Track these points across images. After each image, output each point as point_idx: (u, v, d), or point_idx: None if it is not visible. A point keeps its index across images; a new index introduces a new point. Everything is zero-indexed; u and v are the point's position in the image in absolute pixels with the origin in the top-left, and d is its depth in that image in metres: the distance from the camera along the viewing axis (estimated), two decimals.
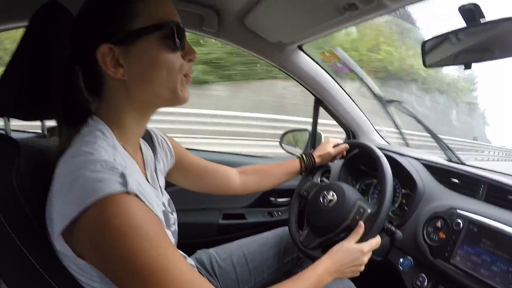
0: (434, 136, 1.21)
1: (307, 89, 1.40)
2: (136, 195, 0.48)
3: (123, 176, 0.48)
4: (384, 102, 1.35)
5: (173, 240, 0.64)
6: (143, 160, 0.70)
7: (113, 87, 0.57)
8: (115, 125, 0.58)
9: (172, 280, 0.48)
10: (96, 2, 0.56)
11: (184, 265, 0.51)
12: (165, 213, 0.65)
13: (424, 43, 0.93)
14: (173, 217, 0.72)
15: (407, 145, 1.42)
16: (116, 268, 0.47)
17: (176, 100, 0.60)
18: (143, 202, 0.49)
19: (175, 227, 0.72)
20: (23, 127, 0.67)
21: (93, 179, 0.46)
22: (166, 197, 0.74)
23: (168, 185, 0.80)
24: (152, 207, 0.51)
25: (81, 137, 0.54)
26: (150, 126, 0.74)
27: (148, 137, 0.78)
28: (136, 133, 0.64)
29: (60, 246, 0.49)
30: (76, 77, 0.56)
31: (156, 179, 0.72)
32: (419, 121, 1.22)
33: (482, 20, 0.76)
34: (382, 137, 1.58)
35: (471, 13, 0.76)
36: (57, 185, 0.49)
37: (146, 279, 0.46)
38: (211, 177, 0.96)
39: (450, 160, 1.13)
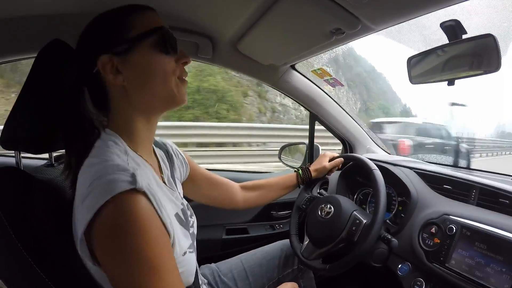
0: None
1: (302, 106, 1.45)
2: (145, 193, 0.51)
3: (133, 176, 0.51)
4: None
5: (190, 241, 0.67)
6: (159, 165, 0.74)
7: (116, 95, 0.62)
8: (125, 133, 0.63)
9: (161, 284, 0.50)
10: (97, 20, 0.62)
11: (176, 279, 0.54)
12: (183, 211, 0.69)
13: (409, 60, 0.95)
14: (192, 220, 0.76)
15: None
16: (114, 263, 0.49)
17: (174, 101, 0.65)
18: (151, 203, 0.52)
19: (193, 230, 0.75)
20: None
21: (106, 182, 0.50)
22: (184, 202, 0.76)
23: None
24: (161, 207, 0.54)
25: (95, 149, 0.59)
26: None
27: (164, 149, 0.83)
28: (146, 138, 0.68)
29: (82, 250, 0.52)
30: (83, 97, 0.62)
31: (174, 184, 0.76)
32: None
33: (463, 36, 0.78)
34: (379, 147, 1.61)
35: (452, 29, 0.79)
36: (77, 194, 0.53)
37: (139, 277, 0.48)
38: (219, 190, 1.01)
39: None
